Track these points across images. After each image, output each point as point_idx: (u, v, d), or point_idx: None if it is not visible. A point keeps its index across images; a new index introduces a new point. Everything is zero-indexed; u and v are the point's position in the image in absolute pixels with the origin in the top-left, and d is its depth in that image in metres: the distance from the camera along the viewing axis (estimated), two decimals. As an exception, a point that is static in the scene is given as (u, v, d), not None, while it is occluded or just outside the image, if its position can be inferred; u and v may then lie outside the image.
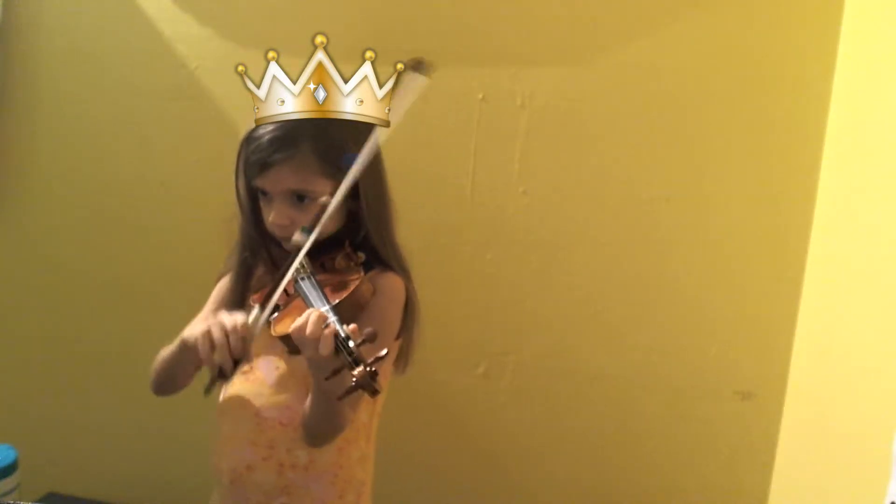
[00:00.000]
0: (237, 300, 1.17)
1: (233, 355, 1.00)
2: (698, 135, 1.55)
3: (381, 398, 1.22)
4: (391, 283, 1.17)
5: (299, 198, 1.10)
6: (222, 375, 1.03)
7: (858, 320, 1.35)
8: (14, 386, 1.89)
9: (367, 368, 0.88)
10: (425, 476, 1.73)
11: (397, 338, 1.20)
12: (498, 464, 1.71)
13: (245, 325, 1.02)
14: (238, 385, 1.17)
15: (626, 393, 1.63)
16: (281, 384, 1.14)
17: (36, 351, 1.88)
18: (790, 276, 1.55)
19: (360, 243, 1.17)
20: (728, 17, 1.51)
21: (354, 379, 0.88)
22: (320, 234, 1.10)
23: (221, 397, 1.21)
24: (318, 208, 1.06)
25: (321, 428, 1.11)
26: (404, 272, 1.20)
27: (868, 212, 1.35)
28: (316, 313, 0.96)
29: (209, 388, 1.04)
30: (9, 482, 1.51)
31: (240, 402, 1.16)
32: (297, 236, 1.07)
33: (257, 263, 1.20)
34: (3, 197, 1.85)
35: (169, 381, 1.17)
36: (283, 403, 1.13)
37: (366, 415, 1.20)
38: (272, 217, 1.11)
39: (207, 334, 1.00)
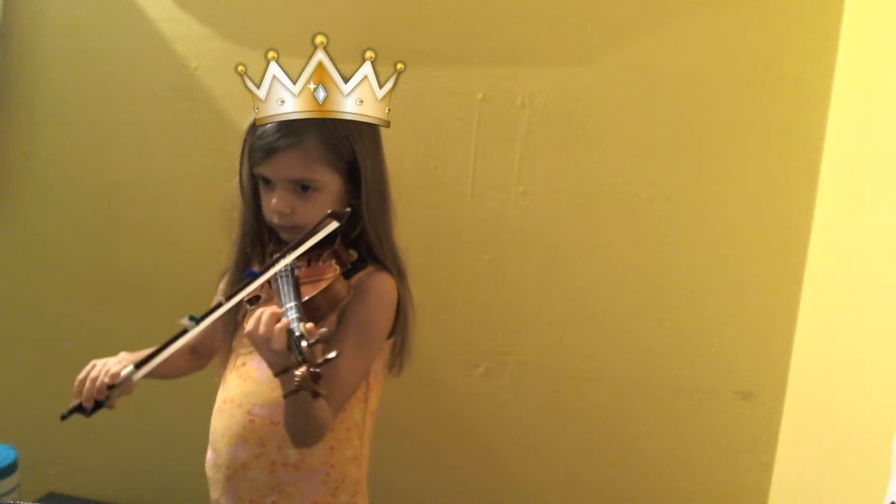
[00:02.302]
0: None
1: (94, 396, 1.06)
2: (698, 135, 1.55)
3: (374, 397, 1.22)
4: (381, 284, 1.16)
5: (303, 187, 1.10)
6: (81, 410, 1.08)
7: (858, 320, 1.35)
8: (14, 386, 1.89)
9: (311, 370, 0.86)
10: (425, 475, 1.73)
11: (388, 338, 1.19)
12: (498, 464, 1.71)
13: (116, 374, 1.06)
14: (233, 383, 1.18)
15: (626, 393, 1.63)
16: (273, 382, 1.14)
17: (36, 351, 1.88)
18: (790, 276, 1.55)
19: (355, 240, 1.16)
20: (728, 17, 1.51)
21: (296, 379, 0.86)
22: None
23: (219, 395, 1.21)
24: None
25: (296, 430, 1.09)
26: (399, 272, 1.19)
27: (868, 212, 1.35)
28: (268, 311, 0.95)
29: (65, 416, 1.09)
30: (9, 482, 1.51)
31: (234, 399, 1.17)
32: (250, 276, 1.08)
33: (254, 256, 1.20)
34: (3, 197, 1.85)
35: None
36: (275, 402, 1.13)
37: (358, 413, 1.20)
38: (273, 203, 1.11)
39: (90, 367, 1.09)
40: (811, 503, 1.46)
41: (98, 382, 1.06)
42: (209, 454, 1.21)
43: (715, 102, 1.54)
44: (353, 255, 1.16)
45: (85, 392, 1.07)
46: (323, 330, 0.91)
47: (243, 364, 1.18)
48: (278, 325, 0.93)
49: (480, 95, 1.60)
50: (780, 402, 1.57)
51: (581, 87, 1.57)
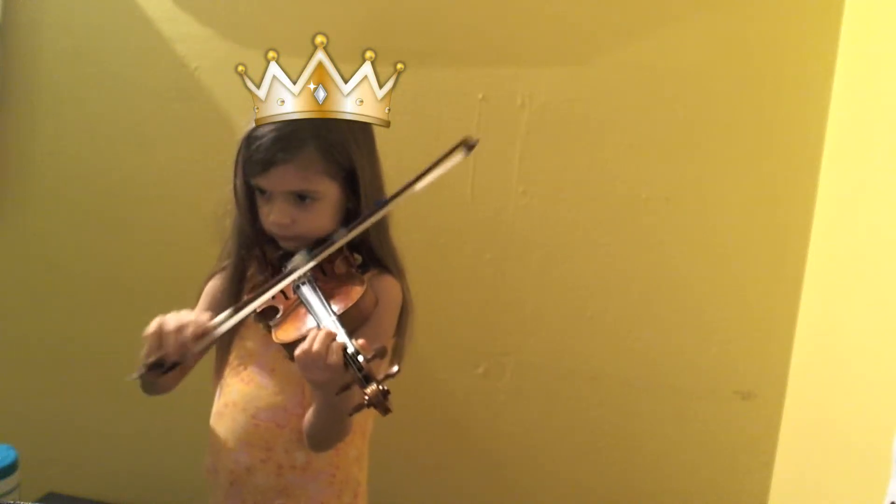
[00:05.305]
0: (232, 299, 1.16)
1: (181, 348, 1.01)
2: (698, 135, 1.55)
3: None
4: (389, 289, 1.16)
5: (300, 197, 1.10)
6: (157, 367, 1.02)
7: (858, 320, 1.35)
8: (14, 386, 1.89)
9: (380, 387, 0.87)
10: (425, 476, 1.73)
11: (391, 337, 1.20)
12: (498, 464, 1.71)
13: (203, 325, 1.02)
14: (235, 387, 1.17)
15: (626, 393, 1.63)
16: (277, 386, 1.14)
17: (36, 351, 1.88)
18: (790, 276, 1.55)
19: (357, 244, 1.16)
20: (728, 17, 1.51)
21: (367, 397, 0.86)
22: (317, 232, 1.11)
23: (218, 399, 1.21)
24: (328, 238, 1.08)
25: (327, 437, 1.11)
26: (399, 273, 1.19)
27: (868, 212, 1.35)
28: (323, 332, 0.95)
29: (140, 374, 1.03)
30: (9, 482, 1.51)
31: (237, 404, 1.16)
32: (297, 258, 1.08)
33: (251, 262, 1.20)
34: (3, 197, 1.85)
35: (150, 383, 1.15)
36: (280, 405, 1.13)
37: (361, 414, 1.20)
38: (273, 216, 1.11)
39: (160, 322, 1.01)
40: (811, 503, 1.46)
41: (188, 332, 1.00)
42: (208, 459, 1.20)
43: (715, 102, 1.54)
44: (358, 258, 1.16)
45: (168, 345, 1.00)
46: (378, 346, 0.91)
47: (244, 368, 1.17)
48: (334, 343, 0.93)
49: (480, 95, 1.60)
50: (780, 402, 1.57)
51: (581, 87, 1.57)
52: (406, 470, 1.71)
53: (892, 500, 0.97)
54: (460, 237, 1.65)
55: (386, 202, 1.08)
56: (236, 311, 1.06)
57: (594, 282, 1.62)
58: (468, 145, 1.05)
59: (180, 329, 1.01)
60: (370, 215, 1.08)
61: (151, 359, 1.01)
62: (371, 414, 1.22)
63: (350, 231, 1.08)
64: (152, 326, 1.02)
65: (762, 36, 1.51)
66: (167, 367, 1.02)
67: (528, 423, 1.68)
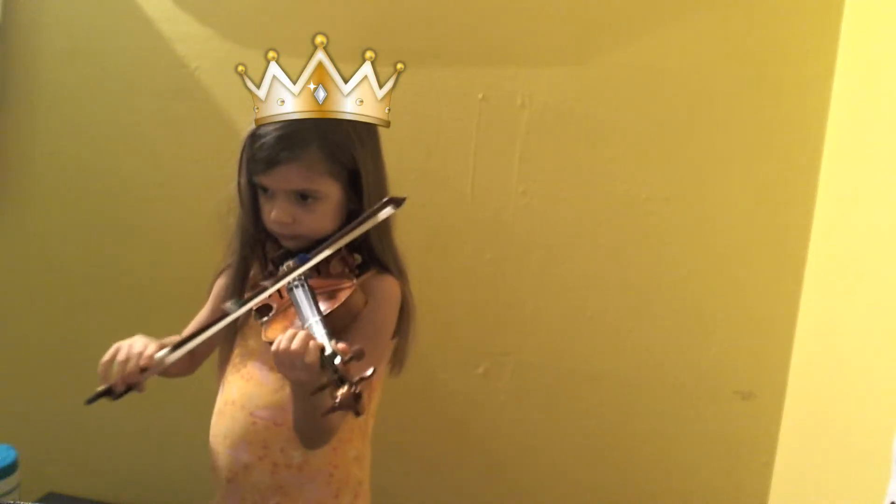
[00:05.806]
0: (235, 296, 1.17)
1: (125, 379, 1.02)
2: (698, 135, 1.55)
3: (375, 397, 1.22)
4: (387, 288, 1.16)
5: (302, 196, 1.10)
6: (109, 394, 1.03)
7: (858, 320, 1.35)
8: (14, 386, 1.89)
9: (352, 389, 0.86)
10: (425, 476, 1.73)
11: (392, 338, 1.20)
12: (498, 464, 1.71)
13: (150, 357, 1.03)
14: (235, 385, 1.18)
15: (626, 393, 1.63)
16: (276, 385, 1.14)
17: (36, 351, 1.88)
18: (790, 276, 1.55)
19: (358, 243, 1.16)
20: (728, 17, 1.51)
21: (337, 399, 0.86)
22: (318, 232, 1.12)
23: (219, 397, 1.21)
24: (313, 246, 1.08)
25: (310, 435, 1.11)
26: (401, 274, 1.20)
27: (868, 212, 1.35)
28: (302, 334, 0.95)
29: (91, 400, 1.04)
30: (9, 482, 1.51)
31: (236, 401, 1.16)
32: (287, 266, 1.09)
33: (254, 260, 1.20)
34: (3, 197, 1.85)
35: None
36: (278, 404, 1.13)
37: None
38: (274, 214, 1.11)
39: (114, 351, 1.04)
40: (811, 503, 1.46)
41: (131, 365, 1.02)
42: (210, 457, 1.21)
43: (715, 102, 1.54)
44: (357, 259, 1.17)
45: (115, 376, 1.03)
46: (356, 348, 0.90)
47: (244, 366, 1.18)
48: (312, 343, 0.93)
49: (480, 95, 1.60)
50: (780, 402, 1.57)
51: (581, 87, 1.57)
52: (406, 470, 1.71)
53: (892, 499, 0.97)
54: (460, 237, 1.65)
55: (309, 257, 1.06)
56: (177, 347, 1.05)
57: (594, 282, 1.62)
58: (396, 202, 1.06)
59: (126, 361, 1.03)
60: (288, 273, 1.06)
61: (99, 388, 1.03)
62: (370, 414, 1.22)
63: (295, 272, 1.06)
64: (108, 354, 1.04)
65: (762, 36, 1.51)
66: (117, 395, 1.03)
67: (528, 423, 1.68)
